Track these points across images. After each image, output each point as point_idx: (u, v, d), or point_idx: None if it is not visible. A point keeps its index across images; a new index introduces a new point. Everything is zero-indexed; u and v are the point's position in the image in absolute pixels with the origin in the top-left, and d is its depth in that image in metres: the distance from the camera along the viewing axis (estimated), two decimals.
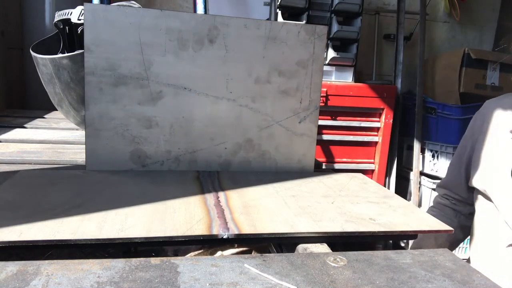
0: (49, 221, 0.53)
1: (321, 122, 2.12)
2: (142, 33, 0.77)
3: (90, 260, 0.45)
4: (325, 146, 2.24)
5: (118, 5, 0.84)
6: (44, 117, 1.38)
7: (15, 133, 1.09)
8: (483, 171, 0.84)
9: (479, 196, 0.88)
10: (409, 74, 2.76)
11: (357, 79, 2.32)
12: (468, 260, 0.95)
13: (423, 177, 2.24)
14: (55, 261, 0.44)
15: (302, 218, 0.60)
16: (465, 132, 0.99)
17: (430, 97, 2.45)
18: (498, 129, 0.85)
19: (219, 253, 0.69)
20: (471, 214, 0.95)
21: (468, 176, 0.93)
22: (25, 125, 1.21)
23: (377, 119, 2.27)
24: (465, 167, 0.94)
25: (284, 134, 0.87)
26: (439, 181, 1.05)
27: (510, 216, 0.75)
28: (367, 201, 0.70)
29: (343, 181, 0.83)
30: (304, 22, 2.13)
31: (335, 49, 2.22)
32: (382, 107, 2.22)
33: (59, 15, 1.09)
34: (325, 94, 2.12)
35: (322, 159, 2.23)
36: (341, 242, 0.60)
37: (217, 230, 0.54)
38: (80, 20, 1.04)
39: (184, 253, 0.69)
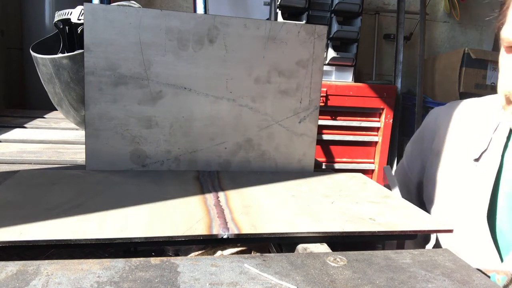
0: (49, 221, 0.53)
1: (321, 122, 2.12)
2: (142, 33, 0.77)
3: (90, 260, 0.45)
4: (325, 146, 2.24)
5: (118, 5, 0.84)
6: (44, 117, 1.38)
7: (15, 133, 1.09)
8: (446, 210, 0.73)
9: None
10: (409, 74, 2.76)
11: (357, 79, 2.33)
12: None
13: None
14: (55, 261, 0.44)
15: (302, 218, 0.60)
16: (406, 157, 0.88)
17: (430, 97, 2.46)
18: (457, 157, 0.74)
19: (219, 252, 0.68)
20: None
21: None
22: (25, 125, 1.21)
23: (377, 119, 2.27)
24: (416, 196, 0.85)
25: (284, 134, 0.87)
26: None
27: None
28: (367, 201, 0.70)
29: (343, 181, 0.83)
30: (304, 22, 2.13)
31: (335, 49, 2.22)
32: (382, 107, 2.22)
33: (59, 15, 1.09)
34: (325, 94, 2.12)
35: (322, 159, 2.23)
36: (341, 242, 0.60)
37: (217, 230, 0.54)
38: (80, 20, 1.04)
39: (185, 254, 0.69)
